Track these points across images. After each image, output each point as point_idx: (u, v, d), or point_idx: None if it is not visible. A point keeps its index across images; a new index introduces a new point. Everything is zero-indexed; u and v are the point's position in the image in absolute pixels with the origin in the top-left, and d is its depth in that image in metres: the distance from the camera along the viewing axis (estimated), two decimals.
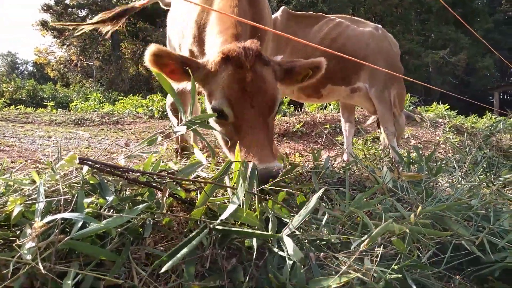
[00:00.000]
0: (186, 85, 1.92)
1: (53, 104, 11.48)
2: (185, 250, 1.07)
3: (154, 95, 10.90)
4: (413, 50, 25.06)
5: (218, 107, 1.78)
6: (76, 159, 1.27)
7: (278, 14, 4.41)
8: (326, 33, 4.25)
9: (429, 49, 25.68)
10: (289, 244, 1.15)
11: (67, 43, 29.67)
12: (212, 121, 1.91)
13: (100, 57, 28.19)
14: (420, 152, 2.79)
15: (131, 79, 26.59)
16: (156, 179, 1.39)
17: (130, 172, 1.31)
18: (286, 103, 9.41)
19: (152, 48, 1.76)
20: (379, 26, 4.54)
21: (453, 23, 26.43)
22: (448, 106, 9.44)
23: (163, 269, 1.02)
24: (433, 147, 5.89)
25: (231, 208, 1.22)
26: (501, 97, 29.26)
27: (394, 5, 27.11)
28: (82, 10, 28.66)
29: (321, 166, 2.30)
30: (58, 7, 27.34)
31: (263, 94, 1.81)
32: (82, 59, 28.69)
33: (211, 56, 1.90)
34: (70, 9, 27.86)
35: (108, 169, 1.27)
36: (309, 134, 7.04)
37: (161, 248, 1.24)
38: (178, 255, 1.05)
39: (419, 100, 10.07)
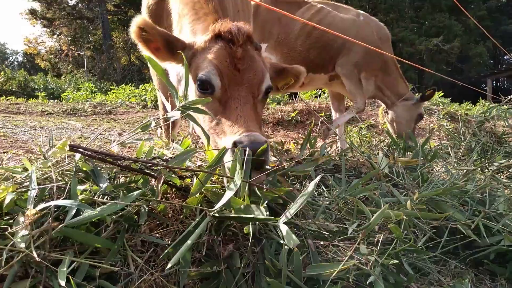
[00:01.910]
0: (170, 65, 1.87)
1: (44, 94, 11.32)
2: (189, 241, 1.06)
3: (146, 84, 10.79)
4: (407, 38, 24.96)
5: (206, 77, 1.68)
6: (67, 145, 1.24)
7: None
8: (307, 20, 4.21)
9: (422, 36, 25.60)
10: (285, 230, 1.14)
11: (57, 33, 29.11)
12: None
13: (91, 47, 27.73)
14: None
15: (123, 68, 26.22)
16: (149, 166, 1.37)
17: (122, 160, 1.29)
18: None
19: (138, 19, 1.69)
20: (361, 12, 4.55)
21: (446, 10, 26.33)
22: (442, 94, 9.46)
23: (171, 263, 1.01)
24: (427, 134, 5.91)
25: (227, 195, 1.20)
26: (494, 84, 29.38)
27: None
28: None
29: (317, 152, 2.29)
30: None
31: (252, 72, 1.75)
32: (73, 49, 28.16)
33: (201, 36, 1.85)
34: None
35: (99, 156, 1.25)
36: (304, 123, 7.03)
37: (157, 235, 1.23)
38: (184, 246, 1.04)
39: (413, 88, 10.07)
